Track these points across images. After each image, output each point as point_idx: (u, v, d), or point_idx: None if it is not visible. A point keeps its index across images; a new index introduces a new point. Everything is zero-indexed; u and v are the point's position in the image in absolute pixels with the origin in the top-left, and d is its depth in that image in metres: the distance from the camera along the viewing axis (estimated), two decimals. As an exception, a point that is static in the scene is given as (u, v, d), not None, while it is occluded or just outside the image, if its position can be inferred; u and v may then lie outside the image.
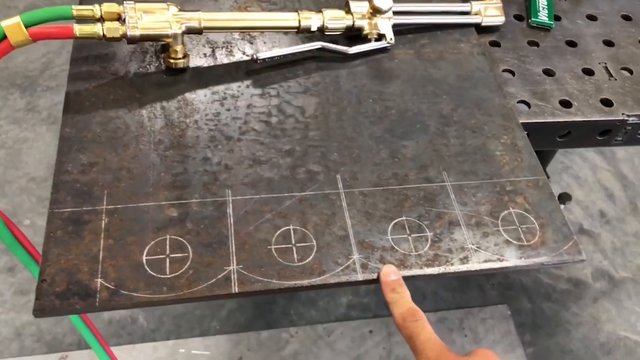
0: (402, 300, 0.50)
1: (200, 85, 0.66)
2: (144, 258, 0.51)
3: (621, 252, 1.62)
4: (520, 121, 0.70)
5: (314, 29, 0.69)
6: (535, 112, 0.72)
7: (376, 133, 0.65)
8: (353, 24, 0.71)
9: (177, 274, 0.50)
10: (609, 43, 0.83)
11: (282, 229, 0.55)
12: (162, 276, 0.50)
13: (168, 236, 0.53)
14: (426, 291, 1.47)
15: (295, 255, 0.53)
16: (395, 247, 0.56)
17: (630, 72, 0.80)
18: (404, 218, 0.58)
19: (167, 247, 0.52)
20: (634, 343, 1.47)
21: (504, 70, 0.76)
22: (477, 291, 1.51)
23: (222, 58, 0.70)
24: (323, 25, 0.69)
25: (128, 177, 0.56)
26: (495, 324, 1.43)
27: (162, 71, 0.67)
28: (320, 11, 0.70)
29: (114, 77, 0.65)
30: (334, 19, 0.69)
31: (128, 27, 0.60)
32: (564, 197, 1.45)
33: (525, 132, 0.72)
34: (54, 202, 0.53)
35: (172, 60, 0.65)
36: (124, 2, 0.61)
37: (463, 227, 0.58)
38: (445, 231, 0.58)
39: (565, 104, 0.74)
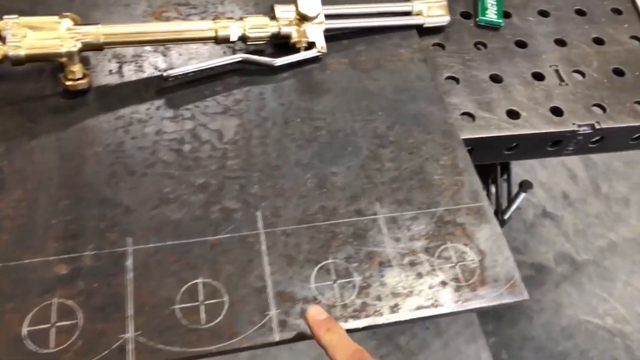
0: (343, 342, 0.44)
1: (103, 109, 0.58)
2: (25, 329, 0.44)
3: (583, 234, 1.61)
4: (463, 136, 0.64)
5: (234, 38, 0.61)
6: (480, 126, 0.66)
7: (303, 159, 0.59)
8: (279, 32, 0.64)
9: (63, 346, 0.44)
10: (561, 42, 0.77)
11: (189, 284, 0.49)
12: (46, 351, 0.44)
13: (55, 300, 0.46)
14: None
15: (203, 315, 0.47)
16: (319, 296, 0.50)
17: (582, 74, 0.74)
18: (330, 260, 0.53)
19: (54, 313, 0.45)
20: (594, 326, 1.47)
21: (448, 78, 0.70)
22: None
23: (131, 75, 0.62)
24: (244, 34, 0.62)
25: (11, 227, 0.49)
26: (457, 316, 1.41)
27: (59, 93, 0.59)
28: (241, 18, 0.62)
29: (2, 103, 0.57)
30: (257, 28, 0.62)
31: (10, 47, 0.52)
32: (525, 185, 1.40)
33: (469, 148, 0.67)
34: None
35: (69, 83, 0.57)
36: (4, 16, 0.53)
37: (395, 268, 0.53)
38: (376, 274, 0.52)
39: (513, 114, 0.68)
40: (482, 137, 0.66)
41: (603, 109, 0.71)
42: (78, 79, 0.57)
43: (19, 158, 0.54)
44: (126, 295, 0.47)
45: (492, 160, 0.71)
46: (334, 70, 0.67)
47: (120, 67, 0.62)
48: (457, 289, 0.53)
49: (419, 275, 0.53)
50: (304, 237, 0.54)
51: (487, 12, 0.76)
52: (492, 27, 0.76)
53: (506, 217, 1.45)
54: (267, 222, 0.54)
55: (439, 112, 0.65)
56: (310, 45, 0.65)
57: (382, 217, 0.56)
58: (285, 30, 0.64)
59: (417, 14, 0.72)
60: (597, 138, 0.71)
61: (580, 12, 0.82)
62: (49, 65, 0.61)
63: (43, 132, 0.56)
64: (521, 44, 0.76)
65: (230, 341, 0.46)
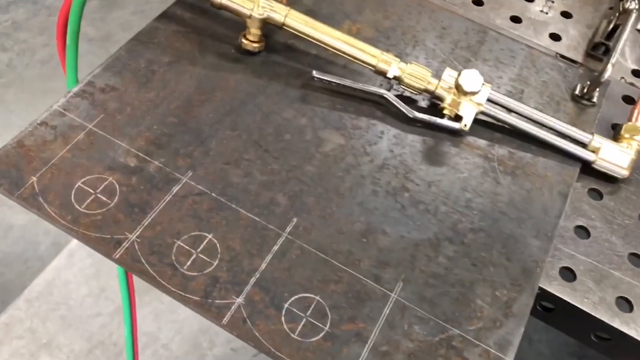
0: None
1: (252, 72, 0.66)
2: (78, 184, 0.55)
3: None
4: (547, 288, 0.56)
5: (390, 75, 0.64)
6: (575, 290, 0.57)
7: (369, 204, 0.59)
8: (434, 91, 0.63)
9: (90, 212, 0.54)
10: None
11: (197, 233, 0.54)
12: (78, 207, 0.54)
13: (110, 178, 0.56)
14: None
15: (189, 264, 0.52)
16: (284, 317, 0.51)
17: None
18: (316, 297, 0.53)
19: (101, 186, 0.55)
20: None
21: (578, 227, 0.61)
22: None
23: (293, 61, 0.69)
24: (400, 77, 0.63)
25: (113, 109, 0.61)
26: None
27: (234, 45, 0.68)
28: (409, 63, 0.64)
29: (191, 30, 0.69)
30: (414, 77, 0.63)
31: (215, -8, 0.64)
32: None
33: (550, 307, 0.58)
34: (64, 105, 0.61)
35: (243, 40, 0.66)
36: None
37: (366, 347, 0.51)
38: (346, 336, 0.51)
39: (624, 303, 0.57)
40: (567, 302, 0.57)
41: None
42: (252, 42, 0.66)
43: (169, 71, 0.65)
44: (152, 206, 0.55)
45: (577, 339, 0.60)
46: (463, 151, 0.64)
47: (290, 49, 0.69)
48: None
49: (382, 370, 0.50)
50: (312, 263, 0.54)
51: (682, 192, 0.64)
52: (680, 212, 0.64)
53: None
54: (295, 231, 0.56)
55: (537, 249, 0.58)
56: (457, 118, 0.64)
57: (395, 298, 0.53)
58: (440, 92, 0.63)
59: (592, 150, 0.64)
60: None
61: None
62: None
63: (200, 62, 0.66)
64: (702, 249, 0.62)
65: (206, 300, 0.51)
